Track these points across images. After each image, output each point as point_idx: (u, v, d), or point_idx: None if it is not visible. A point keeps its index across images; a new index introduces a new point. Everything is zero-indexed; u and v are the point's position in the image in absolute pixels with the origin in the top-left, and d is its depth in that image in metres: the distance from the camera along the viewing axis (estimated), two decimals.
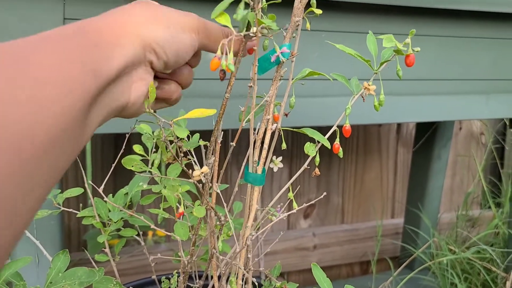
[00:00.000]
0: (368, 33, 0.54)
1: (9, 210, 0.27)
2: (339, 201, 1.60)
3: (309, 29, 0.52)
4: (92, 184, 0.64)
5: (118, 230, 0.65)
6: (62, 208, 0.64)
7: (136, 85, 0.42)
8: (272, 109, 0.53)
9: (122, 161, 0.57)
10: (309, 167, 0.57)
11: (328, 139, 0.55)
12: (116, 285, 0.56)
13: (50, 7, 0.67)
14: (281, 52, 0.49)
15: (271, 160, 0.57)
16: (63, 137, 0.31)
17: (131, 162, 0.56)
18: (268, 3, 0.47)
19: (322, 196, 0.64)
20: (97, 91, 0.35)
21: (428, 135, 1.48)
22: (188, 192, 0.61)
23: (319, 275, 0.53)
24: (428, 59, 0.95)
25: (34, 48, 0.32)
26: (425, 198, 1.52)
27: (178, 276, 0.65)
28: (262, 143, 0.54)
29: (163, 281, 0.67)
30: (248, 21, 0.45)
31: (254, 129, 0.54)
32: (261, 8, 0.45)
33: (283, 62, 0.50)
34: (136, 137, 0.61)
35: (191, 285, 0.66)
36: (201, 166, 0.50)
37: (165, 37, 0.42)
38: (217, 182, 0.55)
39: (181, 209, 0.55)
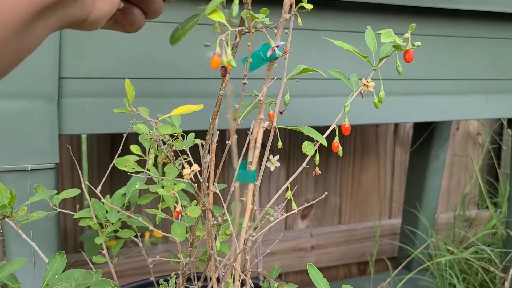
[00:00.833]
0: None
1: None
2: (336, 201, 1.59)
3: (300, 24, 0.52)
4: (89, 185, 0.63)
5: (115, 231, 0.64)
6: (59, 210, 0.63)
7: (100, 4, 0.39)
8: (263, 108, 0.52)
9: (115, 161, 0.56)
10: (307, 166, 0.56)
11: (326, 138, 0.54)
12: (114, 287, 0.56)
13: None
14: (276, 46, 0.49)
15: (268, 159, 0.57)
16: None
17: (124, 163, 0.55)
18: None
19: (322, 196, 0.64)
20: (47, 4, 0.34)
21: (426, 135, 1.48)
22: (187, 192, 0.61)
23: (316, 276, 0.53)
24: (426, 58, 0.95)
25: None
26: (422, 198, 1.52)
27: (176, 278, 0.64)
28: (255, 142, 0.54)
29: (161, 283, 0.66)
30: (242, 17, 0.45)
31: (248, 129, 0.53)
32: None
33: (276, 58, 0.50)
34: (132, 138, 0.61)
35: (190, 286, 0.65)
36: (200, 166, 0.50)
37: None
38: (214, 182, 0.55)
39: (178, 208, 0.54)
